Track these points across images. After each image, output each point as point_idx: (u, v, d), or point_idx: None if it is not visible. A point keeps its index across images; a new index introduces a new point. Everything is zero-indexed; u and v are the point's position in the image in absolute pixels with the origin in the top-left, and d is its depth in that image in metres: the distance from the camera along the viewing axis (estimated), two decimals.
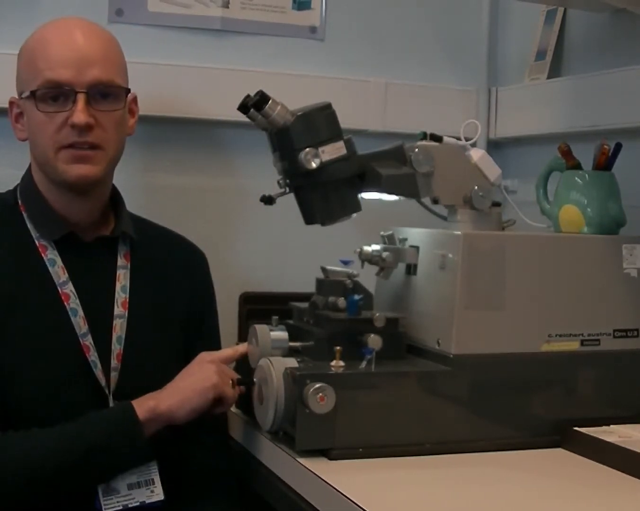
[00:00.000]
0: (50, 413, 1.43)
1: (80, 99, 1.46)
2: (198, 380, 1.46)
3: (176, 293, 1.61)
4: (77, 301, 1.49)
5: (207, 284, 1.69)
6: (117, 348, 1.50)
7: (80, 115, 1.45)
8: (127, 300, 1.53)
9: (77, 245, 1.52)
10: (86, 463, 1.39)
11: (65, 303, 1.48)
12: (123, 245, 1.57)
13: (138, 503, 1.45)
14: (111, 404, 1.48)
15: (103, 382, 1.48)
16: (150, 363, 1.54)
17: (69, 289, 1.49)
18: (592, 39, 1.98)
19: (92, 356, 1.48)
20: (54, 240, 1.51)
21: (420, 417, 1.43)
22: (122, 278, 1.54)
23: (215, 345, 1.63)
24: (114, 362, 1.50)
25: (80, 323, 1.48)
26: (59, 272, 1.49)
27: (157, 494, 1.46)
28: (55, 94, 1.46)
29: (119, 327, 1.52)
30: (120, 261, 1.56)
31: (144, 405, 1.42)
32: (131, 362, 1.51)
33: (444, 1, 2.24)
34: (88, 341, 1.48)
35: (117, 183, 1.60)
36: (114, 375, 1.49)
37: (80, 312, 1.48)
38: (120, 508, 1.43)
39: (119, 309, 1.52)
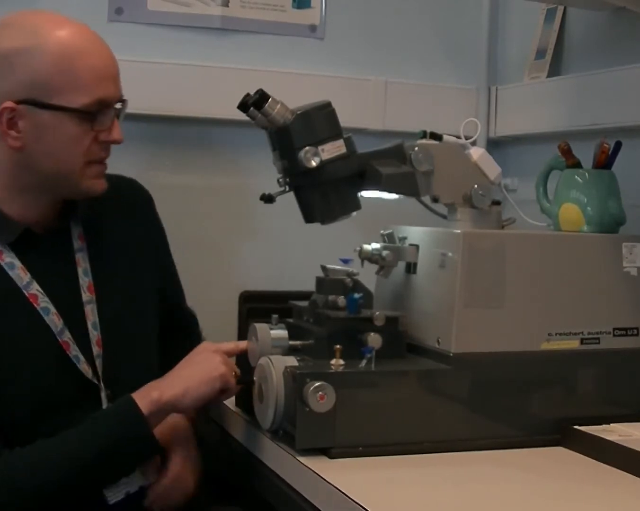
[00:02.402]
0: (44, 419, 1.43)
1: (115, 114, 1.45)
2: (205, 369, 1.43)
3: (135, 249, 1.60)
4: (46, 299, 1.46)
5: (153, 222, 1.68)
6: (94, 334, 1.49)
7: (119, 132, 1.46)
8: (92, 282, 1.51)
9: (33, 241, 1.48)
10: (96, 468, 1.38)
11: (35, 304, 1.45)
12: (75, 226, 1.53)
13: (137, 488, 1.45)
14: (103, 392, 1.47)
15: (90, 373, 1.47)
16: (131, 337, 1.53)
17: (34, 289, 1.46)
18: (592, 37, 1.99)
19: (73, 350, 1.46)
20: (8, 243, 1.46)
21: (420, 416, 1.43)
22: (82, 261, 1.52)
23: (173, 282, 1.67)
24: (96, 349, 1.48)
25: (54, 320, 1.46)
26: (20, 274, 1.45)
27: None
28: (101, 107, 1.43)
29: (91, 313, 1.50)
30: (76, 244, 1.52)
31: (147, 398, 1.40)
32: (112, 343, 1.50)
33: (444, 0, 2.25)
34: (66, 337, 1.46)
35: (118, 171, 1.59)
36: (99, 362, 1.48)
37: (52, 309, 1.46)
38: (123, 496, 1.43)
39: (87, 295, 1.50)
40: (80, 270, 1.52)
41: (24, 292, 1.46)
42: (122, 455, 1.39)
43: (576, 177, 1.67)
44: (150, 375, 1.49)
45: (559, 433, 1.49)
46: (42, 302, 1.46)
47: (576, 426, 1.48)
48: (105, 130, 1.44)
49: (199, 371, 1.43)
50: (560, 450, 1.48)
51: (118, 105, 1.47)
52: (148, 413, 1.39)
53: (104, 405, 1.48)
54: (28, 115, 1.41)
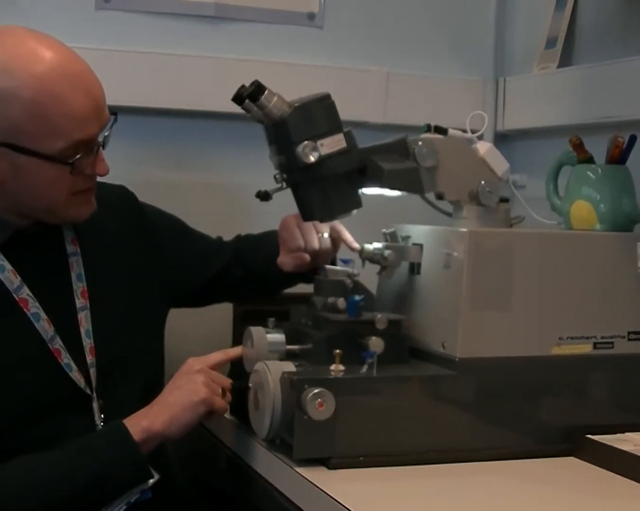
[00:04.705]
0: (33, 429, 1.43)
1: (98, 149, 1.45)
2: (186, 394, 1.44)
3: (130, 252, 1.61)
4: (37, 304, 1.46)
5: (148, 214, 1.69)
6: (88, 342, 1.49)
7: (104, 165, 1.46)
8: (86, 288, 1.52)
9: (24, 243, 1.49)
10: (87, 494, 1.38)
11: (25, 309, 1.45)
12: (68, 230, 1.54)
13: (139, 494, 1.43)
14: (95, 403, 1.48)
15: (82, 382, 1.48)
16: (127, 345, 1.54)
17: (25, 293, 1.46)
18: (605, 25, 1.99)
19: (65, 359, 1.47)
20: None
21: (424, 424, 1.43)
22: (76, 266, 1.52)
23: (196, 239, 1.74)
24: (89, 358, 1.49)
25: (45, 327, 1.46)
26: (10, 277, 1.46)
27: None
28: (80, 149, 1.42)
29: (85, 320, 1.50)
30: (70, 248, 1.53)
31: (138, 426, 1.41)
32: (106, 352, 1.50)
33: None
34: (57, 344, 1.46)
35: (103, 180, 1.59)
36: (92, 372, 1.49)
37: (43, 315, 1.46)
38: (125, 506, 1.42)
39: (80, 301, 1.51)
40: (73, 275, 1.52)
41: (14, 295, 1.46)
42: (115, 482, 1.40)
43: (588, 172, 1.67)
44: (146, 385, 1.50)
45: (570, 442, 1.49)
46: (33, 307, 1.46)
47: (589, 436, 1.48)
48: (88, 166, 1.45)
49: (181, 397, 1.44)
50: (571, 461, 1.48)
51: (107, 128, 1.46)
52: (139, 440, 1.40)
53: (96, 417, 1.49)
54: (7, 157, 1.41)
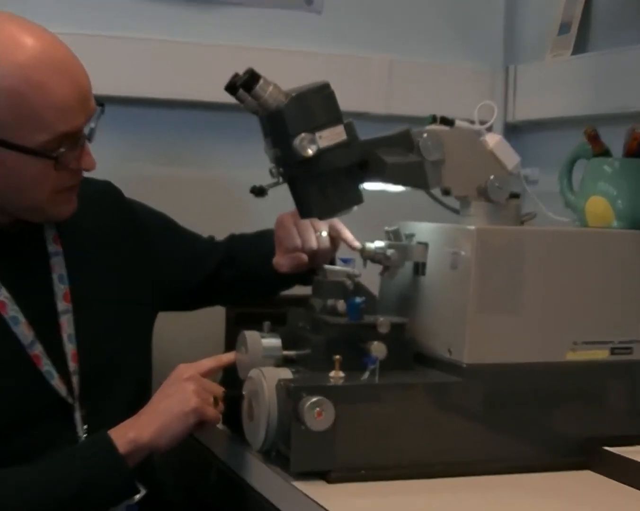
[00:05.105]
0: (11, 438, 1.43)
1: (84, 141, 1.45)
2: (175, 403, 1.44)
3: (116, 252, 1.62)
4: (16, 307, 1.47)
5: (135, 212, 1.70)
6: (70, 348, 1.50)
7: (91, 160, 1.47)
8: (69, 290, 1.52)
9: (3, 243, 1.49)
10: (74, 509, 1.39)
11: (2, 312, 1.46)
12: (50, 228, 1.54)
13: (124, 510, 1.45)
14: (78, 413, 1.49)
15: (64, 391, 1.48)
16: (113, 351, 1.54)
17: (2, 296, 1.46)
18: (623, 9, 1.98)
19: (45, 365, 1.47)
20: None
21: (429, 435, 1.43)
22: (57, 267, 1.53)
23: (188, 238, 1.74)
24: (72, 365, 1.50)
25: (24, 331, 1.46)
26: None
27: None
28: (65, 142, 1.43)
29: (67, 324, 1.51)
30: (51, 247, 1.54)
31: (124, 437, 1.41)
32: (90, 358, 1.51)
33: None
34: (37, 350, 1.47)
35: (89, 175, 1.59)
36: (75, 379, 1.49)
37: (22, 319, 1.47)
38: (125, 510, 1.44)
39: (63, 303, 1.51)
40: (55, 277, 1.53)
41: None
42: (99, 498, 1.41)
43: (605, 166, 1.67)
44: (133, 394, 1.51)
45: (585, 454, 1.50)
46: (11, 311, 1.47)
47: (605, 447, 1.48)
48: (73, 160, 1.45)
49: (171, 406, 1.45)
50: (587, 474, 1.48)
51: (93, 120, 1.47)
52: (125, 453, 1.41)
53: (79, 427, 1.50)
54: None
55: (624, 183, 1.65)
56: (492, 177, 1.58)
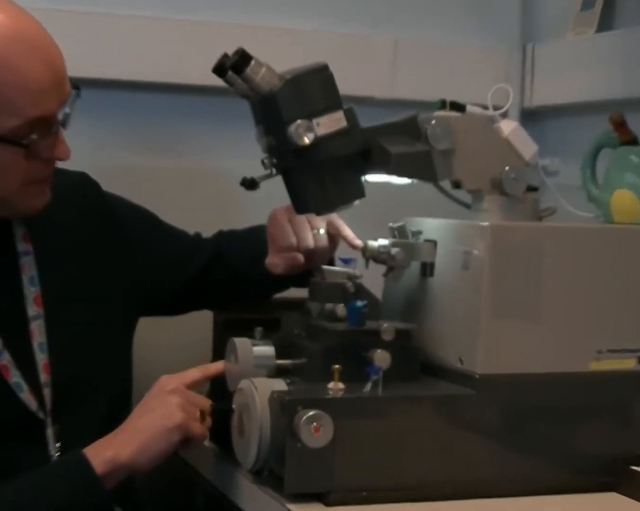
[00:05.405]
0: None
1: (58, 128, 1.45)
2: (158, 418, 1.44)
3: (92, 251, 1.61)
4: None
5: (114, 206, 1.70)
6: (42, 358, 1.51)
7: (65, 148, 1.46)
8: (40, 294, 1.52)
9: None
10: None
11: None
12: (18, 225, 1.54)
13: None
14: (49, 429, 1.49)
15: (34, 405, 1.49)
16: (89, 362, 1.54)
17: None
18: None
19: (14, 377, 1.48)
20: None
21: (438, 453, 1.43)
22: (28, 268, 1.53)
23: (171, 235, 1.75)
24: (43, 376, 1.50)
25: None
26: None
27: None
28: (37, 128, 1.42)
29: (38, 331, 1.51)
30: (20, 246, 1.54)
31: (101, 456, 1.41)
32: (64, 369, 1.52)
33: None
34: (5, 359, 1.47)
35: (63, 166, 1.58)
36: (47, 392, 1.50)
37: None
38: None
39: (33, 308, 1.52)
40: (25, 279, 1.53)
41: None
42: None
43: (632, 156, 1.68)
44: (111, 409, 1.51)
45: (611, 475, 1.49)
46: None
47: (633, 467, 1.48)
48: (46, 148, 1.45)
49: (153, 422, 1.45)
50: (612, 497, 1.48)
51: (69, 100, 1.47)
52: (102, 473, 1.40)
53: (51, 445, 1.50)
54: None
55: None
56: (507, 168, 1.57)
